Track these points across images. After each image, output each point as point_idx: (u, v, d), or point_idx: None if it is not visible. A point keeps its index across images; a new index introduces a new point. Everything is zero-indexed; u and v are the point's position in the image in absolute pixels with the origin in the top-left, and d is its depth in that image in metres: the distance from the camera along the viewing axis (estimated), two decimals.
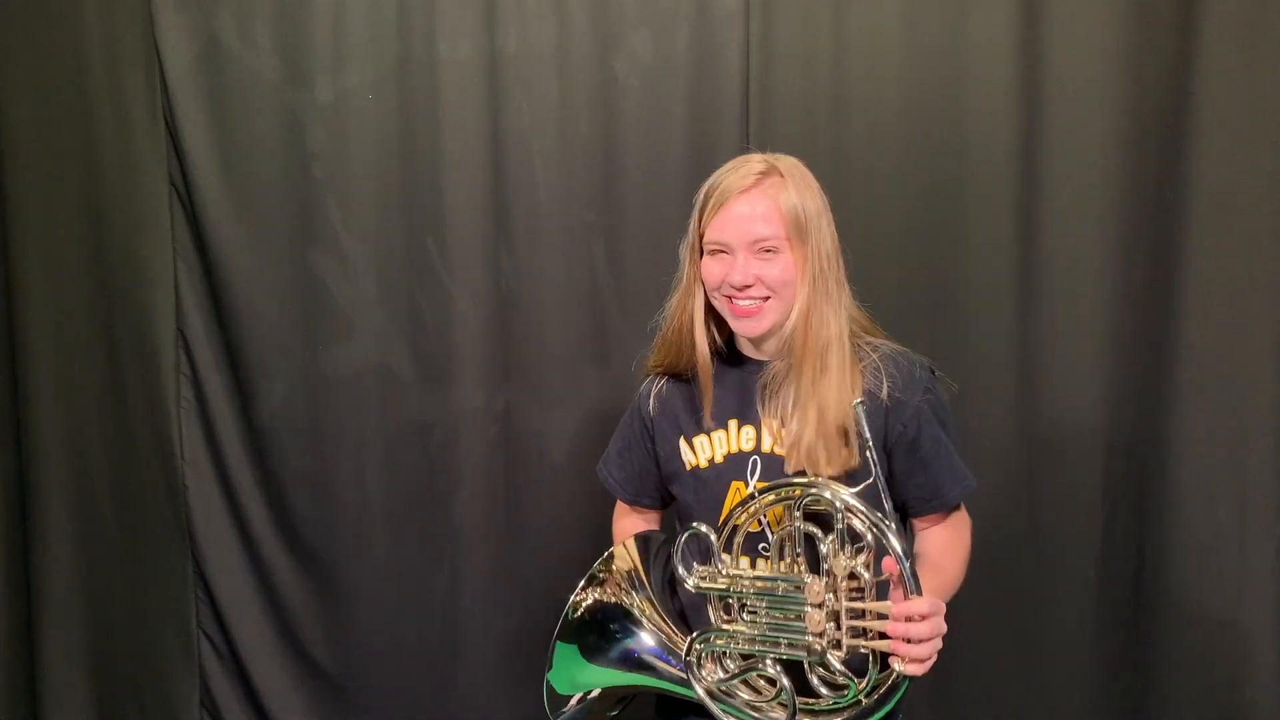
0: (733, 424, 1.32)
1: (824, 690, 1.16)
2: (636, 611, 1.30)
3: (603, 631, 1.29)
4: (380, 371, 2.15)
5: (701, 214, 1.28)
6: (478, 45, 2.04)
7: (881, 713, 1.13)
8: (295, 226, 2.13)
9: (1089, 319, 1.94)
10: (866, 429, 1.15)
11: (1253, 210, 1.86)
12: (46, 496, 2.25)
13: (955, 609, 2.00)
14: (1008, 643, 2.02)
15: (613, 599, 1.30)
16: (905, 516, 1.37)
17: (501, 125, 2.06)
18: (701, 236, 1.28)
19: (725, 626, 1.22)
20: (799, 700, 1.15)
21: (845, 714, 1.14)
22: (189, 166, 2.11)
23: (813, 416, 1.22)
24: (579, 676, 1.30)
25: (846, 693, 1.14)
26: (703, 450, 1.34)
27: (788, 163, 1.27)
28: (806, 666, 1.16)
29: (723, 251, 1.25)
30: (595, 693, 1.31)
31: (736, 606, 1.22)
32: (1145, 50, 1.88)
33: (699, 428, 1.35)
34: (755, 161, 1.27)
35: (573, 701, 1.31)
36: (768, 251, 1.23)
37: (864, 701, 1.13)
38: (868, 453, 1.15)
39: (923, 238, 1.97)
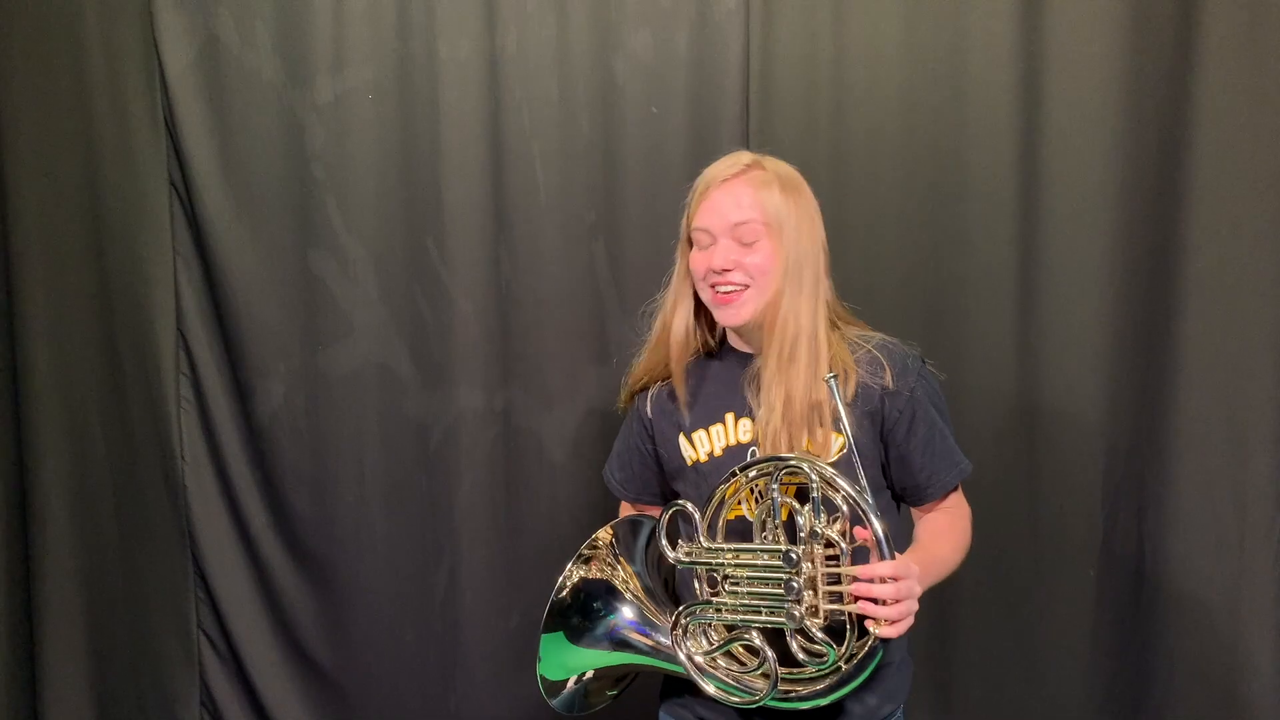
0: (729, 417, 1.34)
1: (804, 657, 1.17)
2: (620, 585, 1.32)
3: (586, 611, 1.30)
4: (380, 371, 2.15)
5: (690, 206, 1.33)
6: (478, 45, 2.04)
7: (860, 678, 1.15)
8: (295, 226, 2.13)
9: (1089, 319, 1.94)
10: (840, 402, 1.19)
11: (1252, 210, 1.85)
12: (46, 496, 2.25)
13: (956, 608, 2.04)
14: (1008, 643, 2.03)
15: (596, 575, 1.32)
16: (902, 504, 1.39)
17: (501, 125, 2.06)
18: (690, 226, 1.32)
19: (710, 599, 1.24)
20: (781, 670, 1.17)
21: (826, 681, 1.16)
22: (189, 166, 2.11)
23: (779, 403, 1.25)
24: (569, 661, 1.31)
25: (826, 660, 1.15)
26: (702, 445, 1.36)
27: (776, 162, 1.32)
28: (789, 635, 1.17)
29: (707, 240, 1.29)
30: (589, 674, 1.32)
31: (720, 579, 1.24)
32: (1145, 50, 1.88)
33: (698, 423, 1.36)
34: (743, 155, 1.33)
35: (569, 684, 1.32)
36: (748, 241, 1.27)
37: (843, 668, 1.14)
38: (840, 424, 1.19)
39: (923, 237, 1.97)
